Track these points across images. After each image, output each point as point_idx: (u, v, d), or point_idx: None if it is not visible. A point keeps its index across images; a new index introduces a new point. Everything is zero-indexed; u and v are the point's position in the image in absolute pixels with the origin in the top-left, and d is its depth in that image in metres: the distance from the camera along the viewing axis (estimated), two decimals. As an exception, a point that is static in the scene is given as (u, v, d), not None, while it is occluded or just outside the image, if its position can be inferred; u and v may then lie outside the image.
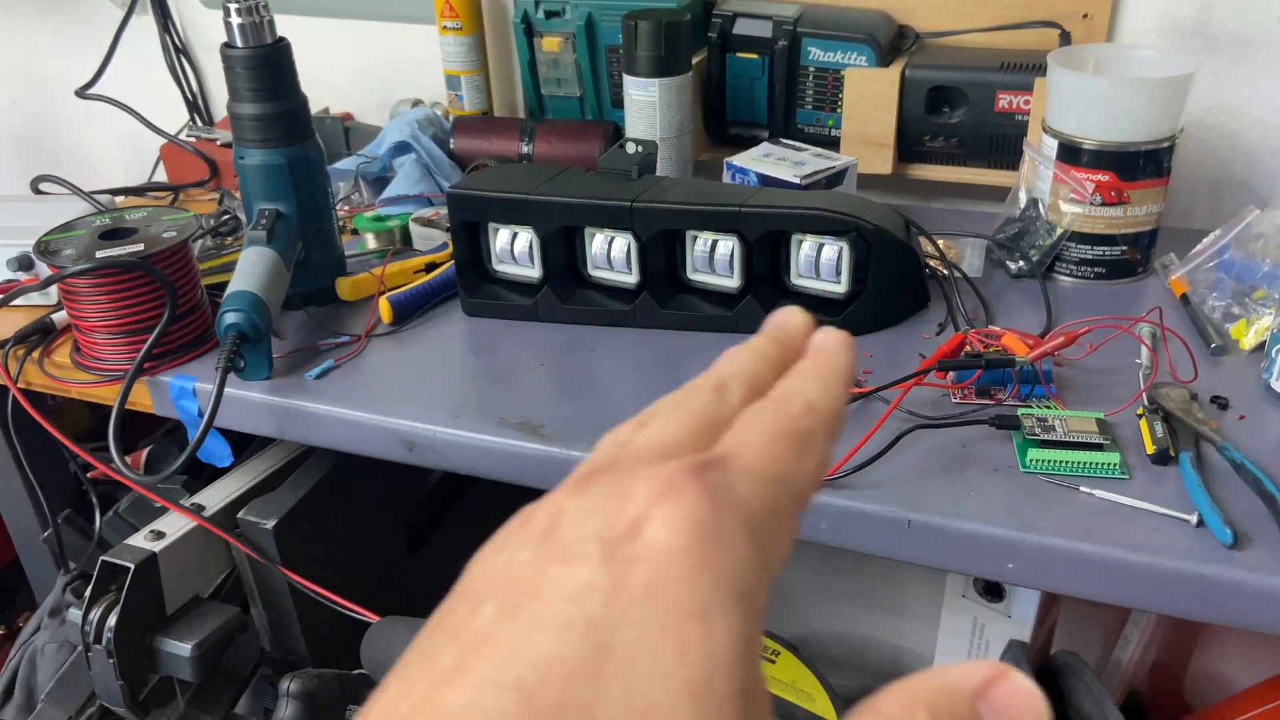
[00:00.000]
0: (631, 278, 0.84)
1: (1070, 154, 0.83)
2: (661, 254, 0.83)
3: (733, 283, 0.83)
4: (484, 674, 0.18)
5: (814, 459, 0.22)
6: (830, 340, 0.24)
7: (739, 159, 0.95)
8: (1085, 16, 0.94)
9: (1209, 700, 1.11)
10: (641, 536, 0.19)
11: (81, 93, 1.30)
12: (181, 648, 0.81)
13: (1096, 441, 0.64)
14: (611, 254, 0.83)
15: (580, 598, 0.19)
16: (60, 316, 0.90)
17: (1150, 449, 0.64)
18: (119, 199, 1.17)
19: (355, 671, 0.85)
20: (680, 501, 0.19)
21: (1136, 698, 1.15)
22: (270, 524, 0.85)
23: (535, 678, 0.18)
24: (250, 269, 0.79)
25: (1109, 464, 0.63)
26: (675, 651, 0.18)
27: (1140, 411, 0.68)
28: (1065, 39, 0.93)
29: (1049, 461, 0.64)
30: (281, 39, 0.82)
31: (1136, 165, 0.81)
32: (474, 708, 0.17)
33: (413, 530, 1.06)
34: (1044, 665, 0.90)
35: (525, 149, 1.08)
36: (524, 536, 0.21)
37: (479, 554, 0.22)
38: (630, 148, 0.88)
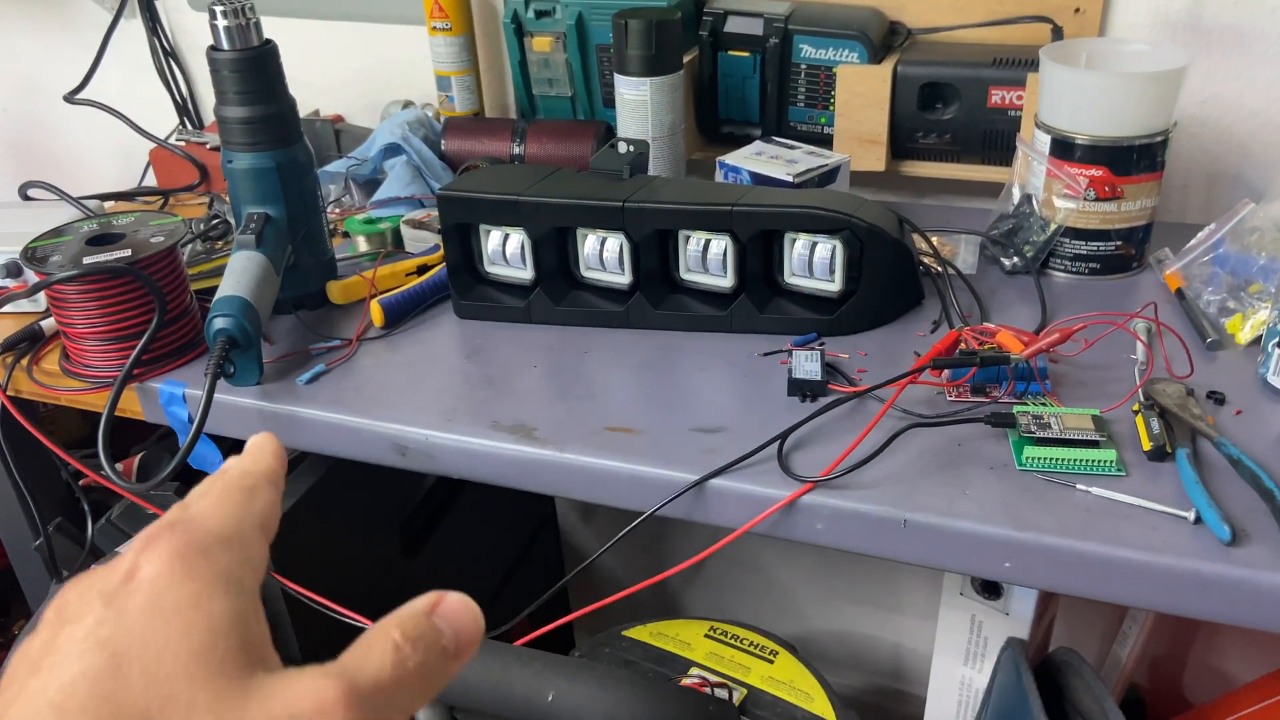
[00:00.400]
0: (624, 278, 0.84)
1: (1063, 149, 0.82)
2: (654, 254, 0.82)
3: (726, 282, 0.82)
4: (20, 712, 0.23)
5: (261, 499, 0.29)
6: (254, 439, 0.32)
7: (731, 157, 0.94)
8: (1077, 11, 0.94)
9: (1209, 695, 1.10)
10: (136, 577, 0.25)
11: (70, 98, 1.29)
12: (174, 656, 0.81)
13: (1092, 438, 0.64)
14: (604, 255, 0.83)
15: (92, 633, 0.24)
16: (49, 323, 0.89)
17: (1147, 445, 0.64)
18: (108, 204, 1.16)
19: (350, 677, 0.85)
20: (158, 544, 0.25)
21: (1136, 693, 1.14)
22: (263, 530, 0.84)
23: (63, 693, 0.23)
24: (239, 273, 0.79)
25: (1105, 461, 0.63)
26: (180, 633, 0.24)
27: (1136, 408, 0.67)
28: (1057, 34, 0.93)
29: (1045, 459, 0.63)
30: (268, 41, 0.82)
31: (1130, 160, 0.81)
32: None
33: (408, 534, 1.05)
34: (1043, 663, 0.90)
35: (517, 149, 1.08)
36: (41, 628, 0.26)
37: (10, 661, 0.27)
38: (622, 147, 0.88)
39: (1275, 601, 0.55)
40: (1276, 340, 0.68)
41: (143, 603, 0.24)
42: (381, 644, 0.26)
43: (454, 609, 0.28)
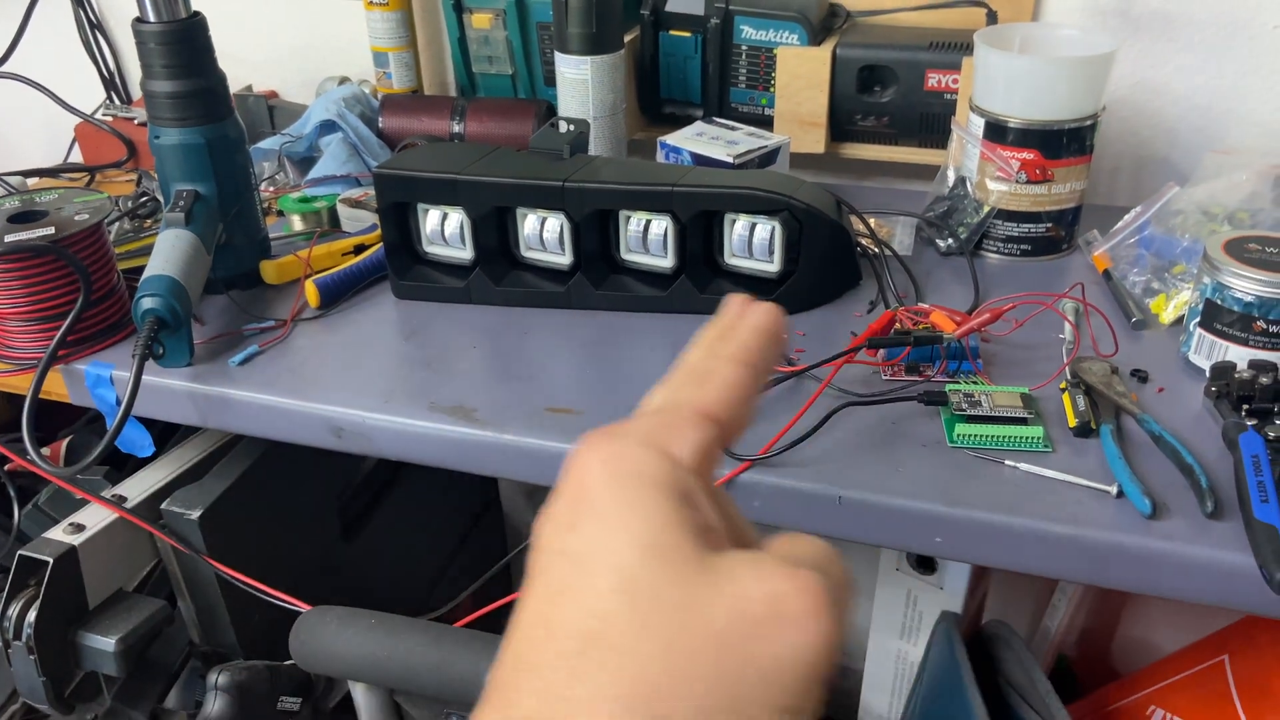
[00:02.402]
0: (565, 259, 0.83)
1: (996, 132, 0.84)
2: (595, 234, 0.82)
3: (667, 263, 0.82)
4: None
5: (711, 426, 0.29)
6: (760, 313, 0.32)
7: (673, 138, 0.94)
8: (1012, -5, 0.95)
9: (1136, 665, 1.14)
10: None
11: (-9, 70, 1.25)
12: (105, 642, 0.79)
13: (1021, 416, 0.65)
14: (544, 235, 0.83)
15: (560, 552, 0.26)
16: (-31, 303, 0.86)
17: (1072, 422, 0.65)
18: (31, 181, 1.12)
19: (286, 662, 0.84)
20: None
21: (1065, 664, 1.18)
22: (195, 514, 0.83)
23: (518, 625, 0.25)
24: (168, 252, 0.77)
25: (1033, 438, 0.64)
26: (627, 541, 0.25)
27: (1063, 386, 0.69)
28: (992, 18, 0.94)
29: (975, 436, 0.65)
30: (196, 13, 0.80)
31: (1060, 143, 0.82)
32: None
33: (346, 518, 1.04)
34: (975, 635, 0.92)
35: (456, 128, 1.06)
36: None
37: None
38: (562, 127, 0.87)
39: (1193, 573, 0.57)
40: (1197, 320, 0.70)
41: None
42: (824, 549, 0.26)
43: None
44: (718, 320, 0.32)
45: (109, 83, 1.31)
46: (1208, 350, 0.70)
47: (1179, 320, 0.77)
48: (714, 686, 0.23)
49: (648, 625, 0.23)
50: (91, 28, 1.28)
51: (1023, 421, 0.65)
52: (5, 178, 1.03)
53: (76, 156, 1.24)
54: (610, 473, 0.26)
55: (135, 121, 1.19)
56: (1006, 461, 0.63)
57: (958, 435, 0.65)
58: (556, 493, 0.27)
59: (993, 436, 0.64)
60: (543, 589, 0.25)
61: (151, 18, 0.78)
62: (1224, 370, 0.66)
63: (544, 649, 0.24)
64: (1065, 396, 0.68)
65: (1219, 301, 0.68)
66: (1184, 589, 0.58)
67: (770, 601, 0.23)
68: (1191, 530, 0.58)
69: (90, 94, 1.29)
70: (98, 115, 1.22)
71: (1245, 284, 0.67)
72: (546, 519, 0.27)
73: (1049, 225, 0.86)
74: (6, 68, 1.25)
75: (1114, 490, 0.60)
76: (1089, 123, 0.82)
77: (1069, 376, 0.69)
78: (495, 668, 0.25)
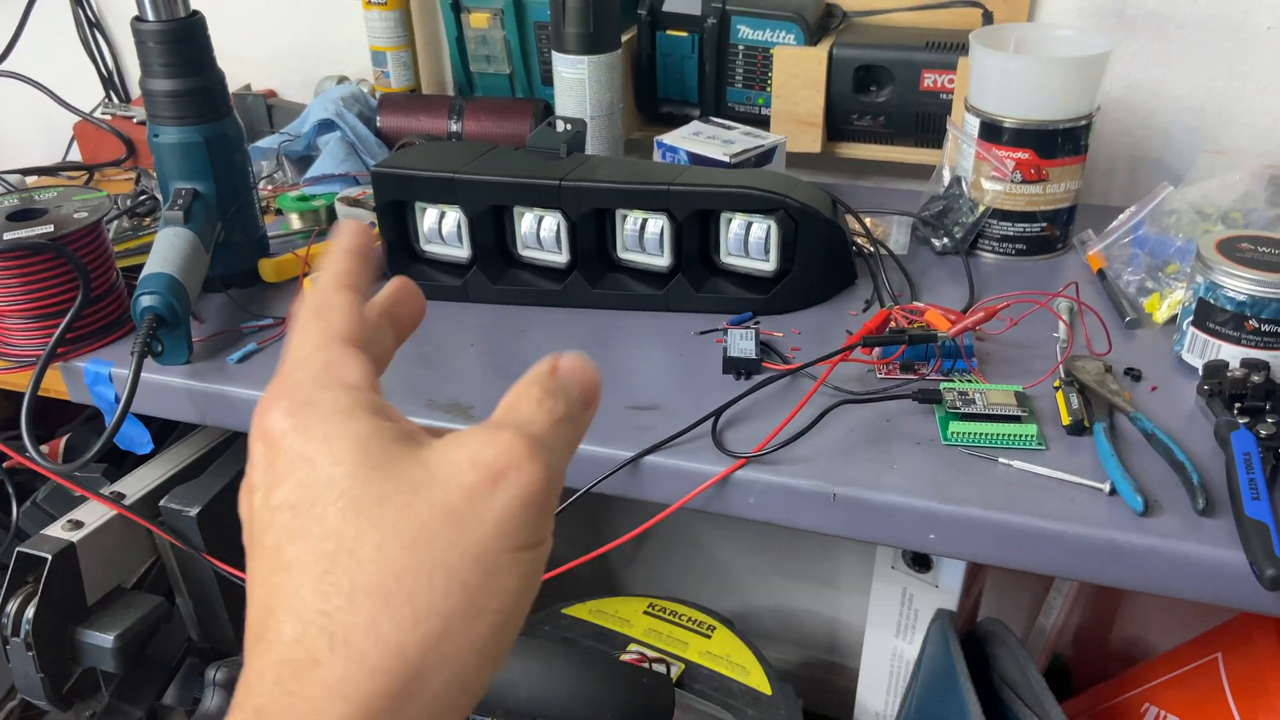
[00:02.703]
0: (561, 257, 0.84)
1: (991, 132, 0.84)
2: (591, 233, 0.82)
3: (663, 261, 0.83)
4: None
5: (335, 315, 0.31)
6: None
7: (669, 137, 0.94)
8: (1007, -4, 0.95)
9: (1130, 663, 1.15)
10: (275, 440, 0.28)
11: (-10, 68, 1.25)
12: (103, 639, 0.80)
13: (1015, 414, 0.65)
14: (541, 233, 0.83)
15: (271, 507, 0.27)
16: (-32, 301, 0.86)
17: (1066, 420, 0.66)
18: (30, 179, 1.13)
19: (285, 658, 0.84)
20: (273, 407, 0.29)
21: (1060, 662, 1.18)
22: (193, 511, 0.83)
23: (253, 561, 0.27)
24: (166, 250, 0.77)
25: (1026, 435, 0.65)
26: (330, 460, 0.27)
27: (1057, 384, 0.69)
28: (987, 18, 0.95)
29: (969, 434, 0.65)
30: (195, 12, 0.80)
31: (1055, 143, 0.83)
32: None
33: (344, 515, 1.04)
34: (970, 633, 0.92)
35: (454, 127, 1.07)
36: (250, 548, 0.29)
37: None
38: (559, 126, 0.87)
39: (1185, 570, 0.58)
40: (1190, 319, 0.71)
41: (291, 459, 0.26)
42: (526, 400, 0.29)
43: (572, 366, 0.30)
44: (323, 258, 0.34)
45: (108, 81, 1.31)
46: (1200, 349, 0.70)
47: (1172, 319, 0.77)
48: (454, 551, 0.25)
49: (380, 525, 0.25)
50: (90, 26, 1.28)
51: (1017, 419, 0.65)
52: (4, 176, 1.03)
53: (75, 155, 1.24)
54: (299, 421, 0.27)
55: (134, 120, 1.20)
56: (1000, 459, 0.64)
57: (952, 433, 0.65)
58: (251, 463, 0.28)
59: (987, 434, 0.65)
60: (271, 543, 0.26)
61: (150, 16, 0.78)
62: (1216, 369, 0.67)
63: (289, 587, 0.25)
64: (1059, 395, 0.68)
65: (1212, 300, 0.69)
66: (1176, 586, 0.58)
67: (476, 466, 0.26)
68: (1183, 527, 0.58)
69: (89, 92, 1.29)
70: (96, 114, 1.22)
71: (1238, 283, 0.67)
72: (248, 491, 0.28)
73: (1044, 225, 0.87)
74: (5, 66, 1.25)
75: (1107, 488, 0.61)
76: (1084, 123, 0.83)
77: (1063, 375, 0.70)
78: (246, 628, 0.26)
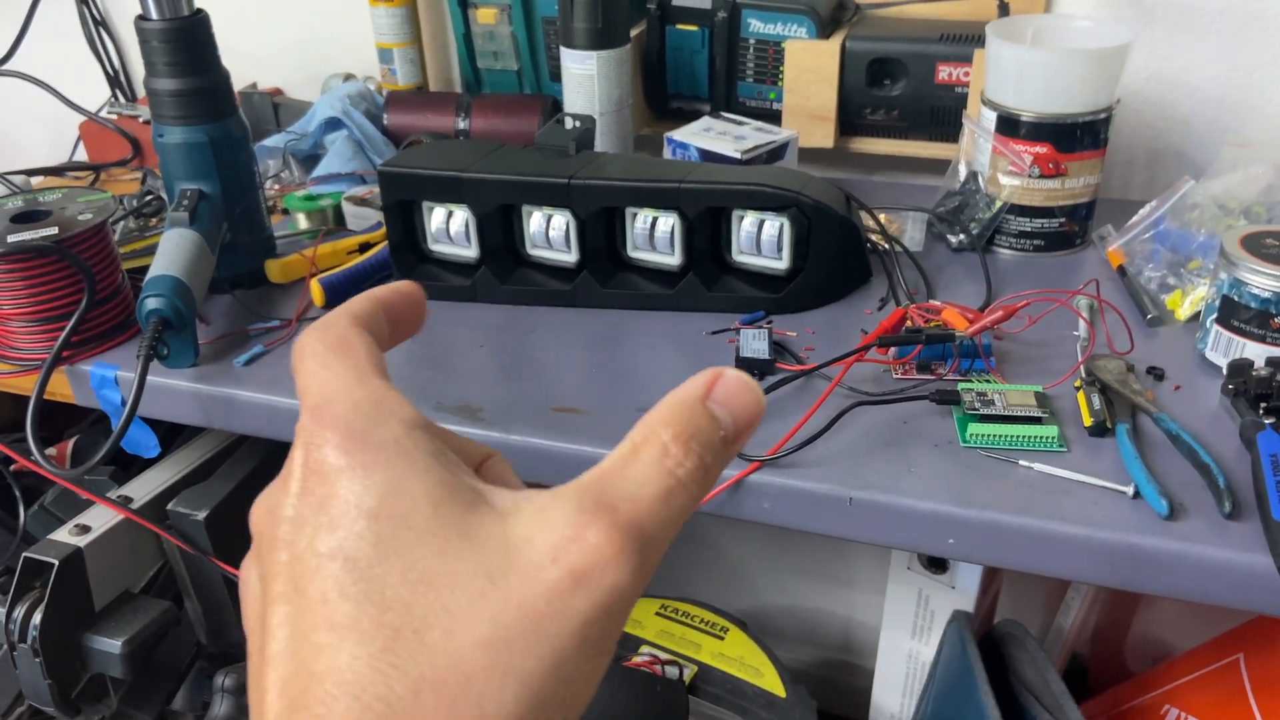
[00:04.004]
0: (571, 256, 0.83)
1: (1008, 126, 0.83)
2: (601, 232, 0.81)
3: (673, 260, 0.81)
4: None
5: (360, 350, 0.28)
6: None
7: (679, 133, 0.93)
8: (1023, -13, 0.94)
9: (1150, 664, 1.13)
10: (319, 474, 0.25)
11: (-5, 68, 1.24)
12: (111, 644, 0.79)
13: (1035, 415, 0.64)
14: (550, 232, 0.82)
15: (314, 548, 0.24)
16: (-27, 304, 0.86)
17: (1088, 421, 0.64)
18: (35, 180, 1.12)
19: (294, 663, 0.83)
20: (316, 445, 0.25)
21: (1078, 662, 1.17)
22: (202, 515, 0.83)
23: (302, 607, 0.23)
24: (172, 252, 0.76)
25: (1047, 437, 0.63)
26: (393, 515, 0.24)
27: (1078, 384, 0.68)
28: (1004, 9, 0.93)
29: (988, 436, 0.64)
30: (199, 10, 0.79)
31: (1074, 137, 0.81)
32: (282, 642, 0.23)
33: (353, 516, 1.04)
34: (987, 635, 0.91)
35: (461, 124, 1.05)
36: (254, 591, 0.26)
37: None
38: (568, 123, 0.86)
39: (1210, 575, 0.56)
40: (1214, 316, 0.69)
41: (347, 506, 0.23)
42: (648, 452, 0.23)
43: (731, 391, 0.25)
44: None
45: (114, 80, 1.30)
46: (1225, 347, 0.69)
47: (1195, 316, 0.76)
48: (531, 658, 0.22)
49: (452, 610, 0.22)
50: (96, 25, 1.28)
51: (1037, 421, 0.64)
52: (9, 177, 1.02)
53: (81, 155, 1.24)
54: (357, 461, 0.24)
55: (140, 119, 1.19)
56: (1021, 461, 0.62)
57: (971, 435, 0.64)
58: (292, 491, 0.24)
59: (1006, 436, 0.63)
60: (317, 593, 0.23)
61: (154, 15, 0.77)
62: (1241, 368, 0.65)
63: (341, 655, 0.22)
64: (1080, 395, 0.67)
65: (1236, 298, 0.67)
66: (1202, 591, 0.57)
67: (558, 563, 0.22)
68: (1209, 531, 0.57)
69: (95, 92, 1.28)
70: (102, 113, 1.22)
71: (1263, 280, 0.65)
72: (288, 523, 0.24)
73: (1062, 220, 0.85)
74: (10, 66, 1.24)
75: (1130, 491, 0.59)
76: (1103, 116, 0.81)
77: (1084, 374, 0.68)
78: (273, 679, 0.23)
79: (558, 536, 0.22)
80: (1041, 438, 0.63)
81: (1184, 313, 0.76)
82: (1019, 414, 0.64)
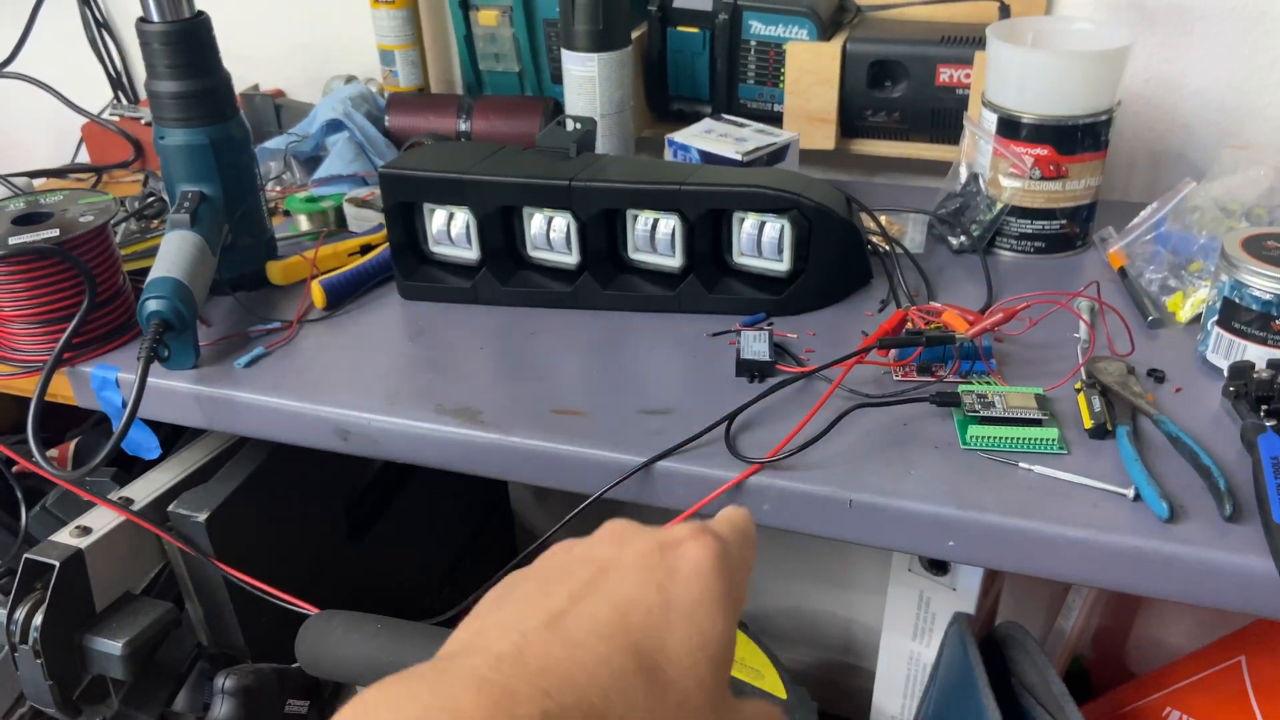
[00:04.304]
0: (572, 258, 0.83)
1: (1009, 128, 0.83)
2: (602, 234, 0.81)
3: (674, 262, 0.81)
4: (588, 596, 0.30)
5: (750, 550, 0.36)
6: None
7: (680, 135, 0.93)
8: (1024, -11, 0.94)
9: (1151, 666, 1.13)
10: (682, 551, 0.32)
11: (-3, 70, 1.25)
12: (112, 646, 0.79)
13: (1035, 417, 0.64)
14: (551, 234, 0.82)
15: (651, 572, 0.31)
16: (-25, 306, 0.86)
17: (1088, 424, 0.64)
18: (37, 182, 1.12)
19: (294, 665, 0.83)
20: (704, 540, 0.32)
21: (1080, 664, 1.17)
22: (202, 516, 0.83)
23: (626, 604, 0.29)
24: (173, 254, 0.76)
25: (1047, 439, 0.63)
26: (707, 622, 0.30)
27: (1078, 386, 0.68)
28: (1004, 11, 0.93)
29: (989, 438, 0.64)
30: (200, 13, 0.79)
31: (1074, 139, 0.81)
32: (589, 612, 0.29)
33: (353, 519, 1.04)
34: (989, 637, 0.91)
35: (463, 126, 1.06)
36: (600, 541, 0.33)
37: (555, 549, 0.34)
38: (569, 125, 0.86)
39: (1211, 578, 0.56)
40: (1215, 318, 0.69)
41: (689, 574, 0.31)
42: None
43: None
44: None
45: (116, 82, 1.31)
46: (1226, 349, 0.69)
47: (1196, 319, 0.76)
48: None
49: None
50: (98, 27, 1.28)
51: (1037, 423, 0.64)
52: (11, 179, 1.03)
53: (83, 156, 1.24)
54: (718, 571, 0.32)
55: (142, 121, 1.19)
56: (1021, 464, 0.62)
57: (971, 437, 0.64)
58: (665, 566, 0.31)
59: (1007, 438, 0.63)
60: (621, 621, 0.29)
61: (155, 17, 0.77)
62: (1242, 370, 0.65)
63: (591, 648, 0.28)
64: (1080, 397, 0.67)
65: (1237, 300, 0.67)
66: (1202, 594, 0.57)
67: None
68: (1210, 534, 0.57)
69: (97, 94, 1.29)
70: (104, 115, 1.22)
71: (1264, 282, 0.65)
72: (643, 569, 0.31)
73: (1063, 222, 0.85)
74: (13, 68, 1.24)
75: (1131, 493, 0.59)
76: (1104, 118, 0.81)
77: (1084, 377, 0.68)
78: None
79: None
80: (1042, 440, 0.63)
81: (1185, 315, 0.76)
82: (1019, 416, 0.64)
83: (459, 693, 0.24)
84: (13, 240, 0.76)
